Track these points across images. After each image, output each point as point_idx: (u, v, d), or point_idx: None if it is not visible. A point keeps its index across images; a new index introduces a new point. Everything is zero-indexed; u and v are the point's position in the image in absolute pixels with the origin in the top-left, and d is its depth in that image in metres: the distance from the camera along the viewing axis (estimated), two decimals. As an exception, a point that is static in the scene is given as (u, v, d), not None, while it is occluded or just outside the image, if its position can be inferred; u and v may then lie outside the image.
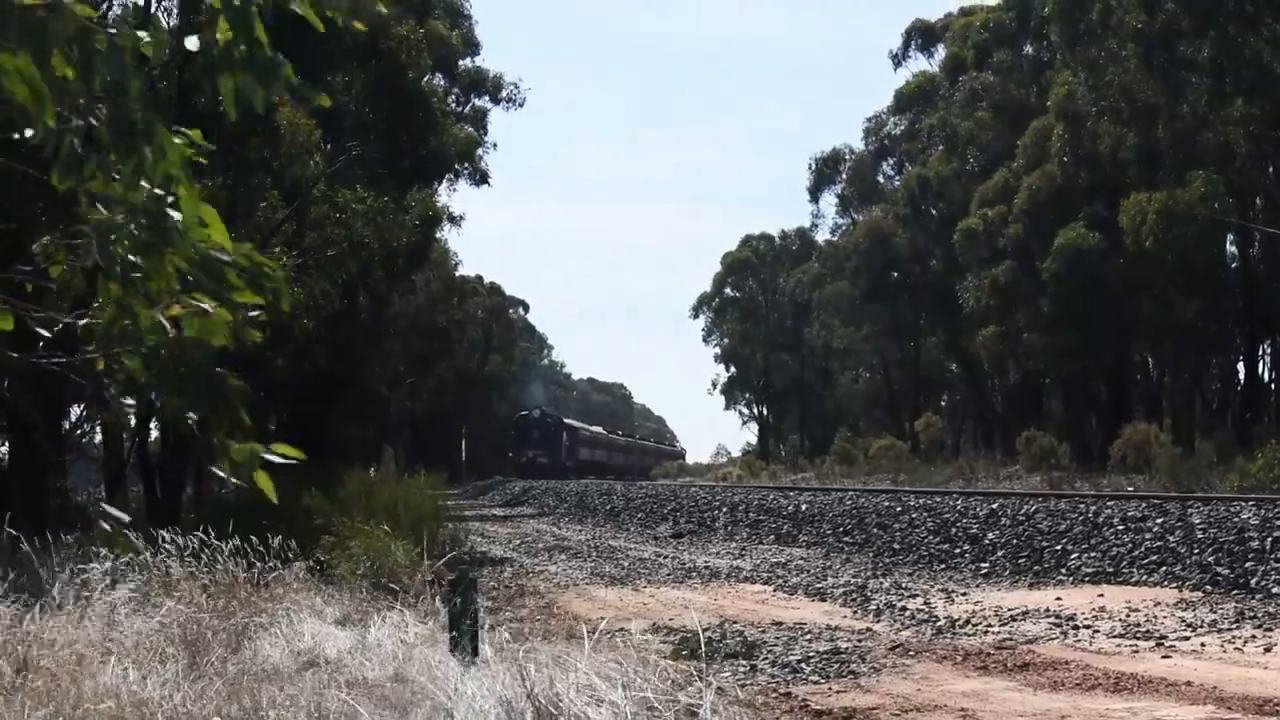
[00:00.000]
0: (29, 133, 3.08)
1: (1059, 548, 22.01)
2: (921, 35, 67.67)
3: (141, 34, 3.18)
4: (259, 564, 12.90)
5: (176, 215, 3.23)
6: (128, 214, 3.19)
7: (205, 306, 3.25)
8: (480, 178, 47.92)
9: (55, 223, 3.50)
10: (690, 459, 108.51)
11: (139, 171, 3.16)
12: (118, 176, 3.17)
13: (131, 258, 3.18)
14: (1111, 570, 20.00)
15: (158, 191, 3.20)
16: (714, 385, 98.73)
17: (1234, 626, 14.13)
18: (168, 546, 12.48)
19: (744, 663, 12.32)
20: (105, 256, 3.17)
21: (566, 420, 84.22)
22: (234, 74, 3.23)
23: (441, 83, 44.45)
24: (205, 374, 3.31)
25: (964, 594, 18.64)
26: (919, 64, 68.22)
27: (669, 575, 22.59)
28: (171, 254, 3.19)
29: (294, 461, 3.41)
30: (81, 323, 3.37)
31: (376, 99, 29.45)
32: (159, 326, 3.23)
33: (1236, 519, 19.79)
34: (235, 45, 3.22)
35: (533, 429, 75.45)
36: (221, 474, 3.44)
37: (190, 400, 3.32)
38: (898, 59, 68.45)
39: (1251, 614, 15.05)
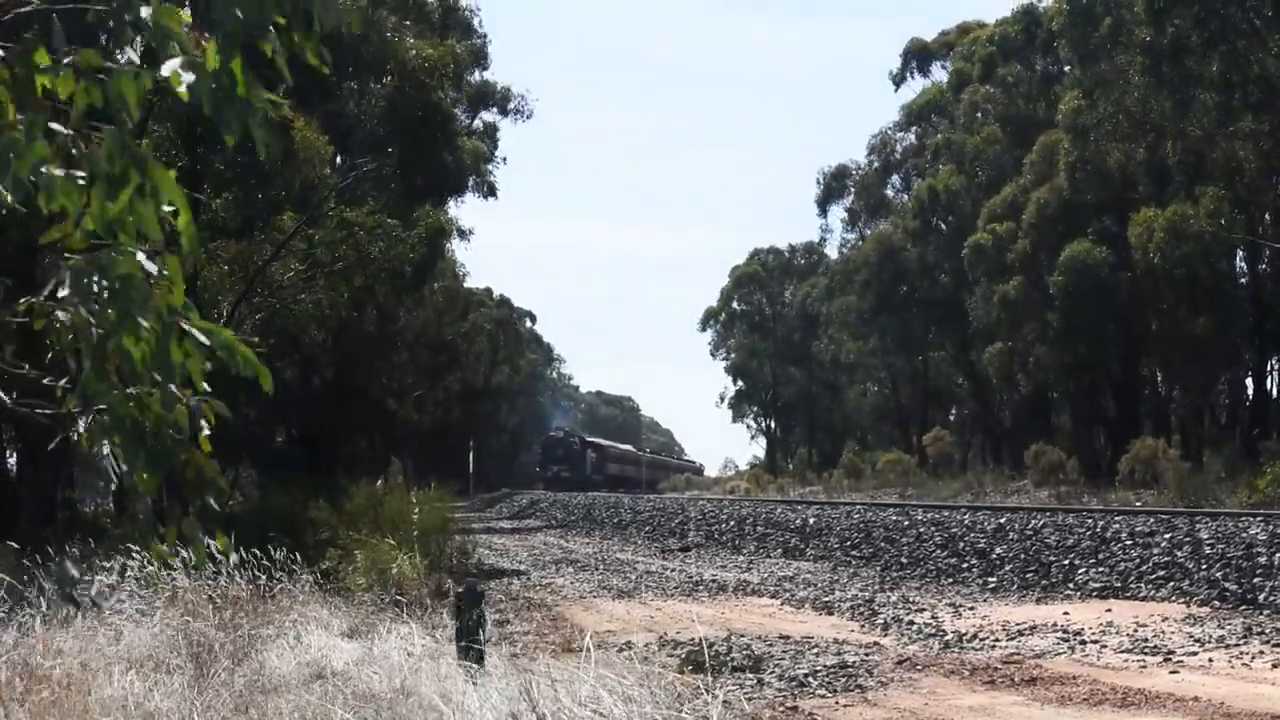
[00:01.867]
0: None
1: (1067, 562, 21.97)
2: (918, 55, 67.77)
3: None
4: (264, 576, 12.92)
5: (151, 267, 3.26)
6: (98, 270, 3.20)
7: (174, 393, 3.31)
8: (488, 190, 47.92)
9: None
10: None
11: (130, 202, 3.18)
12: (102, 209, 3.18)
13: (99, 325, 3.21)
14: (1119, 585, 19.96)
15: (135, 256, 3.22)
16: (722, 398, 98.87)
17: (1242, 642, 14.10)
18: (175, 559, 12.47)
19: (751, 676, 12.32)
20: (80, 314, 3.19)
21: (593, 439, 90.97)
22: (212, 102, 3.22)
23: (452, 96, 44.51)
24: (170, 444, 3.35)
25: (971, 608, 18.61)
26: (919, 82, 68.46)
27: (676, 588, 22.58)
28: (145, 333, 3.22)
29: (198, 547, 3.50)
30: (61, 382, 3.40)
31: (391, 114, 29.49)
32: (127, 398, 3.26)
33: (1245, 534, 19.75)
34: (220, 74, 3.21)
35: (557, 447, 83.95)
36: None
37: (153, 466, 3.35)
38: (898, 79, 68.64)
39: (1259, 630, 15.01)
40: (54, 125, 3.20)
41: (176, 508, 3.53)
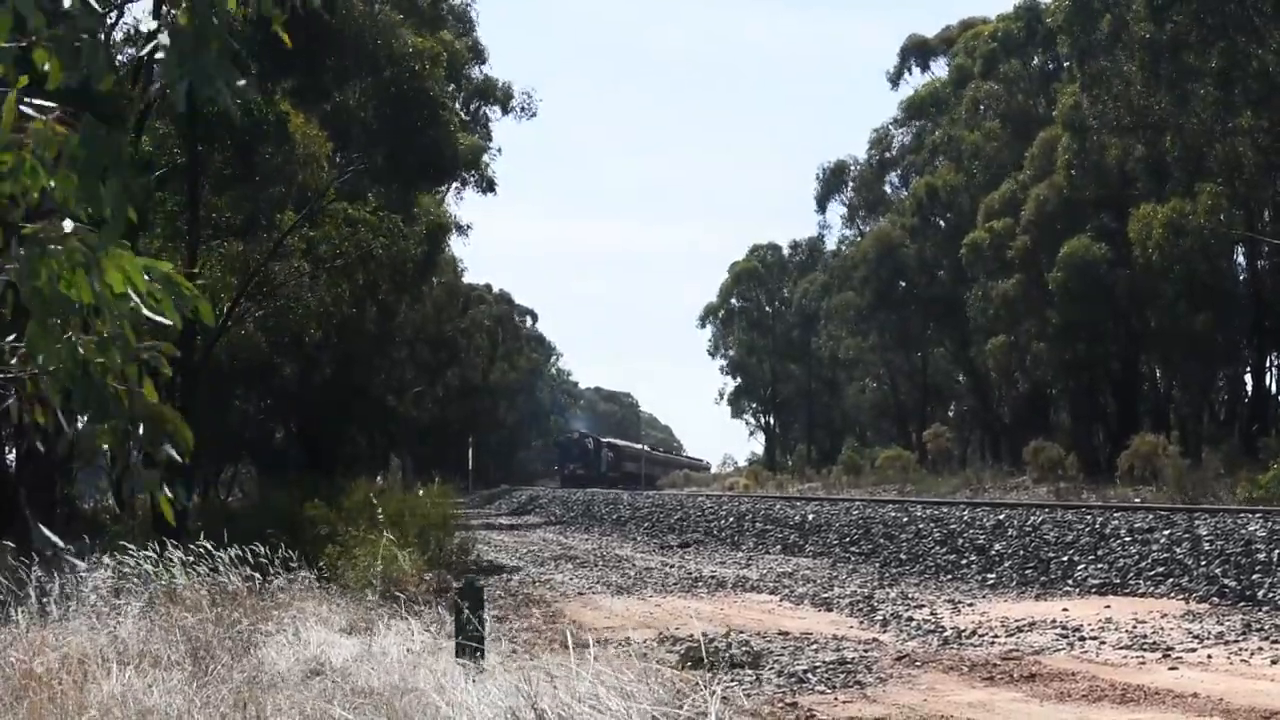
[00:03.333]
0: None
1: (1066, 559, 21.97)
2: (917, 52, 67.68)
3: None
4: (260, 574, 12.92)
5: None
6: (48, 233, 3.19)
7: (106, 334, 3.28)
8: (487, 185, 47.83)
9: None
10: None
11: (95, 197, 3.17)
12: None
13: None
14: (1118, 581, 19.97)
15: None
16: (721, 395, 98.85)
17: (1241, 638, 14.11)
18: (173, 554, 12.49)
19: (750, 672, 12.32)
20: (24, 277, 3.17)
21: (608, 439, 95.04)
22: (184, 69, 3.20)
23: (449, 89, 44.47)
24: (118, 394, 3.32)
25: (970, 604, 18.62)
26: (917, 79, 68.40)
27: (675, 584, 22.59)
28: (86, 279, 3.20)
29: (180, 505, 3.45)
30: (9, 338, 3.38)
31: (386, 105, 29.48)
32: (71, 347, 3.24)
33: (1244, 531, 19.75)
34: (195, 39, 3.18)
35: (573, 447, 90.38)
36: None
37: (105, 417, 3.33)
38: (895, 76, 68.57)
39: (1258, 626, 15.01)
40: (27, 109, 3.18)
41: (138, 460, 3.45)
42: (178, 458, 3.45)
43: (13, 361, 3.35)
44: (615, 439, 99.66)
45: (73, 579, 11.41)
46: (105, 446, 3.38)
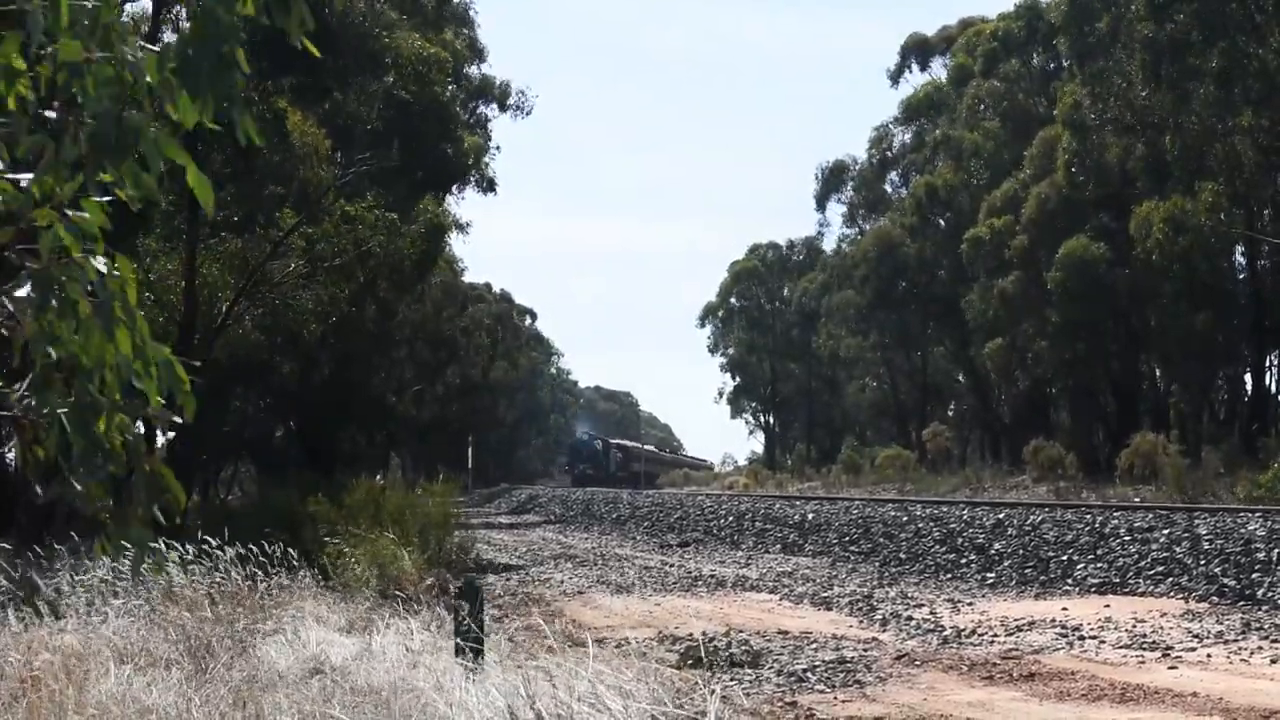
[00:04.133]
0: None
1: (1065, 558, 21.97)
2: (917, 51, 67.67)
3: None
4: (261, 572, 12.91)
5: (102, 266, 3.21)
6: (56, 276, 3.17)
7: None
8: (488, 185, 47.77)
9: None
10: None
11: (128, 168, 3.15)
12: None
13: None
14: (1118, 581, 19.96)
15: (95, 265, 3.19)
16: (720, 394, 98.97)
17: (1240, 638, 14.10)
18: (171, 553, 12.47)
19: (750, 671, 12.33)
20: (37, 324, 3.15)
21: (616, 440, 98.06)
22: (185, 82, 3.18)
23: (450, 89, 44.42)
24: (121, 451, 3.31)
25: (970, 604, 18.62)
26: (917, 78, 68.39)
27: (675, 584, 22.59)
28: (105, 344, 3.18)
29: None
30: (22, 387, 3.36)
31: (390, 109, 29.47)
32: (75, 403, 3.22)
33: (1243, 530, 19.75)
34: (200, 53, 3.16)
35: (583, 449, 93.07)
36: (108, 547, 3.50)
37: (104, 474, 3.32)
38: (895, 76, 68.55)
39: (1258, 625, 15.01)
40: (46, 113, 3.17)
41: (128, 512, 3.44)
42: (161, 520, 3.44)
43: (17, 411, 3.33)
44: (623, 440, 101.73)
45: (70, 579, 11.40)
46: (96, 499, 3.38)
